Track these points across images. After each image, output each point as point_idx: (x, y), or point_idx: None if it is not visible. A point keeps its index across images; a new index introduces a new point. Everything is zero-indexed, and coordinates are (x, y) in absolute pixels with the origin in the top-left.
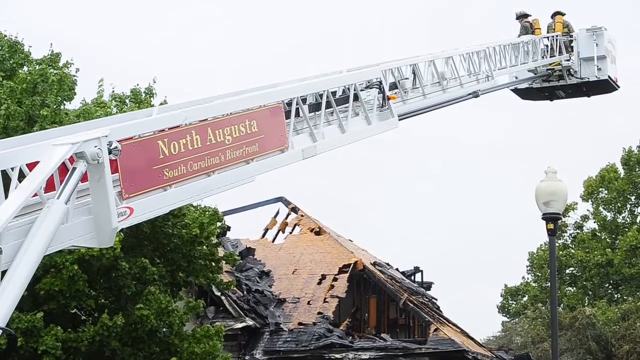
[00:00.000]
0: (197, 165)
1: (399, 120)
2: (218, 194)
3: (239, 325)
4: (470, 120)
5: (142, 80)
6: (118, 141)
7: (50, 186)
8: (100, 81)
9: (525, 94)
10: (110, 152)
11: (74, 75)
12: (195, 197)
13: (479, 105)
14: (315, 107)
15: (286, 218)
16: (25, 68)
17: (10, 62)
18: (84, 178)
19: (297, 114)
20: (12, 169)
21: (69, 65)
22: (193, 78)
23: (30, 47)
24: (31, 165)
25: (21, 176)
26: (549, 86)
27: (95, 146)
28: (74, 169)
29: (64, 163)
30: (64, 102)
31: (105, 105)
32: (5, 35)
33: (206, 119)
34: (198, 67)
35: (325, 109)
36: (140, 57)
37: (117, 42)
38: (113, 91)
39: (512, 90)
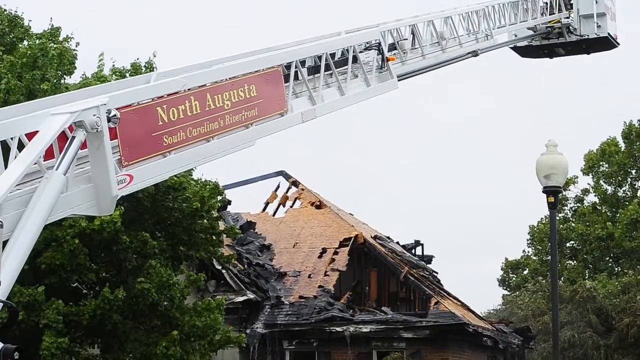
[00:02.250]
0: (197, 131)
1: (399, 81)
2: (219, 165)
3: (240, 299)
4: (472, 94)
5: (142, 54)
6: (117, 109)
7: (49, 154)
8: (101, 55)
9: (525, 51)
10: (109, 120)
11: (74, 50)
12: (195, 162)
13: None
14: (314, 70)
15: (287, 192)
16: (25, 42)
17: (10, 36)
18: (83, 145)
19: (296, 78)
20: (12, 138)
21: (69, 40)
22: (193, 49)
23: (30, 21)
24: (30, 135)
25: (20, 146)
26: (549, 44)
27: (94, 115)
28: (73, 138)
29: (63, 131)
30: (64, 76)
31: (105, 79)
32: (5, 10)
33: (205, 85)
34: (198, 43)
35: (324, 71)
36: (141, 31)
37: (118, 16)
38: (113, 65)
39: (511, 48)
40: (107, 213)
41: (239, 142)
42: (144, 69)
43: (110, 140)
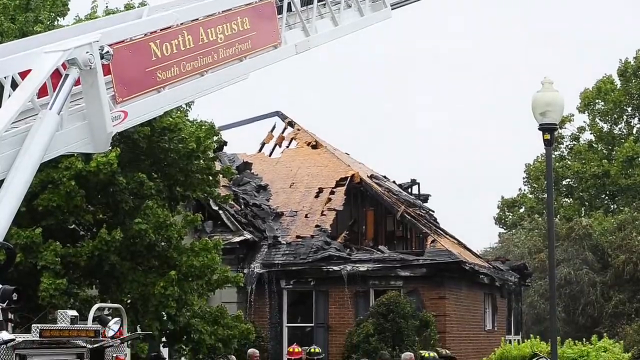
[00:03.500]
0: (190, 66)
1: (392, 9)
2: (215, 106)
3: (237, 239)
4: (467, 28)
5: None
6: (109, 45)
7: (43, 91)
8: None
9: None
10: (102, 57)
11: None
12: (190, 97)
13: (475, 11)
14: (307, 1)
15: (283, 132)
16: None
17: None
18: (77, 82)
19: (289, 9)
20: (5, 77)
21: None
22: None
23: None
24: (23, 74)
25: (14, 85)
26: None
27: (87, 52)
28: (67, 75)
29: (56, 68)
30: (58, 18)
31: None
32: None
33: (198, 19)
34: None
35: (317, 2)
36: None
37: None
38: (107, 7)
39: None
40: (103, 150)
41: (233, 76)
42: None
43: (104, 76)
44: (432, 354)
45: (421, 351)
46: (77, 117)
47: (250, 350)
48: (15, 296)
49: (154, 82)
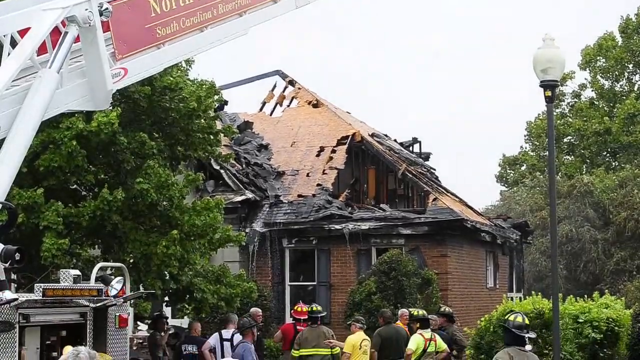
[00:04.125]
0: (190, 21)
1: None
2: (215, 65)
3: (239, 198)
4: None
5: None
6: (108, 2)
7: (42, 48)
8: None
9: None
10: (101, 14)
11: None
12: (190, 53)
13: None
14: None
15: (283, 91)
16: None
17: None
18: (77, 39)
19: None
20: (4, 36)
21: None
22: None
23: None
24: (22, 32)
25: (13, 43)
26: None
27: (86, 9)
28: (66, 33)
29: (55, 26)
30: None
31: None
32: None
33: None
34: None
35: None
36: None
37: None
38: None
39: None
40: (103, 107)
41: (233, 31)
42: None
43: (103, 33)
44: (420, 311)
45: (410, 309)
46: (77, 74)
47: (253, 309)
48: (17, 256)
49: (153, 38)
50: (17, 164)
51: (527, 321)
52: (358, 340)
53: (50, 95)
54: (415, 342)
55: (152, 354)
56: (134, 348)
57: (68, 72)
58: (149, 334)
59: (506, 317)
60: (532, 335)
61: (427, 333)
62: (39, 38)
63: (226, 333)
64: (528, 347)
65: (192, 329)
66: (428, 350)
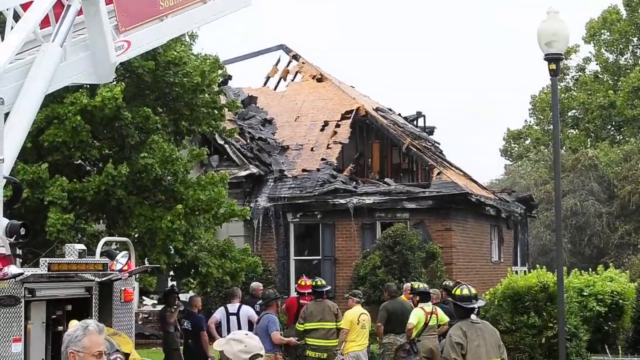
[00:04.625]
0: None
1: None
2: (219, 40)
3: (243, 173)
4: None
5: None
6: None
7: (46, 21)
8: None
9: None
10: None
11: None
12: (193, 25)
13: None
14: None
15: (287, 66)
16: None
17: None
18: (79, 12)
19: None
20: (7, 9)
21: None
22: None
23: None
24: (25, 5)
25: (16, 17)
26: None
27: None
28: (69, 6)
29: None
30: None
31: None
32: None
33: None
34: None
35: None
36: None
37: None
38: None
39: None
40: (107, 80)
41: (236, 3)
42: None
43: (106, 5)
44: (421, 285)
45: (412, 282)
46: (81, 47)
47: (254, 284)
48: (22, 231)
49: (156, 10)
50: (21, 138)
51: (473, 291)
52: (356, 315)
53: (53, 68)
54: (417, 316)
55: (162, 330)
56: (140, 322)
57: (71, 46)
58: (160, 309)
59: (452, 291)
60: (482, 303)
61: (428, 307)
62: (41, 11)
63: (232, 307)
64: (473, 316)
65: (191, 303)
66: (430, 323)
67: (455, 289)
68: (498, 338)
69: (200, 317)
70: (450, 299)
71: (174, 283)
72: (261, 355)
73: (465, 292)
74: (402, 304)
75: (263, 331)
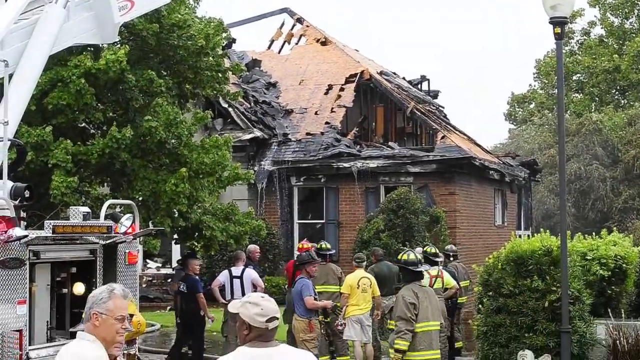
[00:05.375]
0: None
1: None
2: (223, 4)
3: (247, 137)
4: None
5: None
6: None
7: None
8: None
9: None
10: None
11: None
12: None
13: None
14: None
15: (292, 29)
16: None
17: None
18: None
19: None
20: None
21: None
22: None
23: None
24: None
25: None
26: None
27: None
28: None
29: None
30: None
31: None
32: None
33: None
34: None
35: None
36: None
37: None
38: None
39: None
40: (111, 40)
41: None
42: None
43: None
44: (432, 249)
45: (427, 246)
46: (84, 8)
47: (251, 246)
48: (27, 193)
49: None
50: (25, 100)
51: (419, 257)
52: (356, 279)
53: (57, 29)
54: None
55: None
56: (144, 285)
57: (75, 6)
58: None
59: (399, 257)
60: (427, 267)
61: (434, 270)
62: None
63: (236, 270)
64: (424, 281)
65: (187, 266)
66: (435, 287)
67: (401, 254)
68: (441, 303)
69: (196, 279)
70: (398, 264)
71: (194, 247)
72: (277, 318)
73: (412, 257)
74: (388, 266)
75: (297, 295)
